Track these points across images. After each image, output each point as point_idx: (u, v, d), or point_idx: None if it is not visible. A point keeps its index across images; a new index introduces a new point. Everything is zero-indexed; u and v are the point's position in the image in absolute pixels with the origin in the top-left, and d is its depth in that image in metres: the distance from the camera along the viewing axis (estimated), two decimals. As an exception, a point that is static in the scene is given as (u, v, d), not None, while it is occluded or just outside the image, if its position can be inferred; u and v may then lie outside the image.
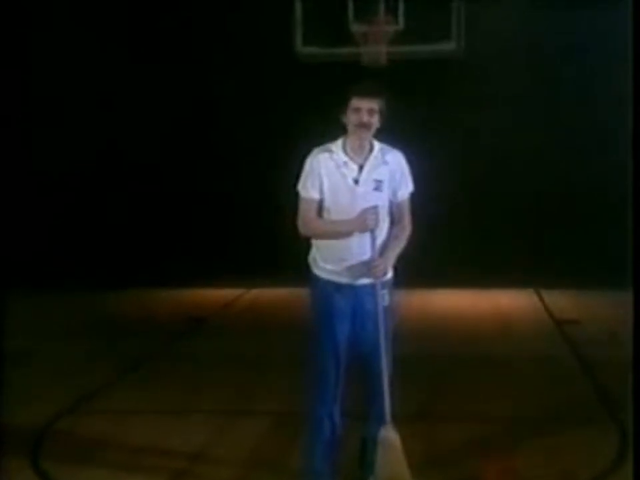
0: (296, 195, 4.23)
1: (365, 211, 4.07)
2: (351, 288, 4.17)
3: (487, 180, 10.83)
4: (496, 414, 5.71)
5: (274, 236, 10.28)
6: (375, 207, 4.10)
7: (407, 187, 4.23)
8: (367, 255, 4.12)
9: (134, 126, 11.06)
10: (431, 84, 10.77)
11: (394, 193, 4.20)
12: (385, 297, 4.15)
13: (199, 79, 11.09)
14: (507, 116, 10.80)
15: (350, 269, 4.14)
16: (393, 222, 4.24)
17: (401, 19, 9.15)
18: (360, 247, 4.12)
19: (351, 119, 4.09)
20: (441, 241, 10.44)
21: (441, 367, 6.90)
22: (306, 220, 4.18)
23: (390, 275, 4.23)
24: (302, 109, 10.40)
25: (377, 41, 9.24)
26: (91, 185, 11.24)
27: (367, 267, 4.11)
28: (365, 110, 4.06)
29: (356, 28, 9.22)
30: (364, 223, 4.07)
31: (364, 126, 4.07)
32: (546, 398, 6.04)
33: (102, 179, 11.27)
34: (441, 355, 7.37)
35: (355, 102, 4.07)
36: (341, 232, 4.14)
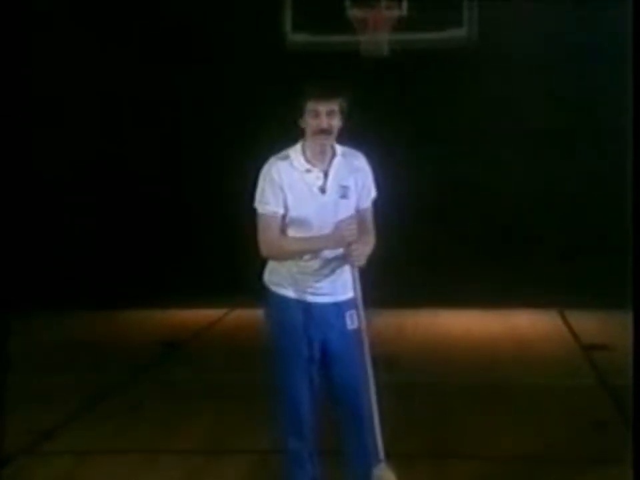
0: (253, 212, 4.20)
1: (341, 223, 4.07)
2: (317, 307, 4.18)
3: (495, 185, 10.81)
4: (512, 452, 5.65)
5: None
6: (352, 217, 4.11)
7: (370, 193, 4.28)
8: (335, 271, 4.14)
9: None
10: (436, 77, 10.78)
11: (357, 200, 4.23)
12: (352, 318, 4.15)
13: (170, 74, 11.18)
14: (517, 115, 10.82)
15: (316, 283, 4.16)
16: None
17: (404, 4, 9.16)
18: (326, 261, 4.14)
19: (309, 123, 4.08)
20: (446, 254, 10.41)
21: (448, 398, 6.88)
22: (269, 239, 4.15)
23: (351, 295, 4.20)
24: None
25: (378, 27, 9.28)
26: (50, 195, 11.26)
27: (335, 279, 4.13)
28: (324, 113, 4.05)
29: (354, 13, 9.22)
30: (341, 237, 4.06)
31: (324, 131, 4.06)
32: (570, 434, 6.00)
33: (60, 189, 11.29)
34: (448, 383, 7.34)
35: (312, 105, 4.05)
36: (312, 250, 4.13)
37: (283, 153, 4.18)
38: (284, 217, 4.13)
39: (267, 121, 10.52)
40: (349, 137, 4.25)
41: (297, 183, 4.11)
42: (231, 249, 10.91)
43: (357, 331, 4.14)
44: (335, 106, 4.05)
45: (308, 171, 4.13)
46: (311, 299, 4.18)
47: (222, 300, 10.81)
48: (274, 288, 4.26)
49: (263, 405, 6.56)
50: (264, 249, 4.17)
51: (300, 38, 9.54)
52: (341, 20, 9.27)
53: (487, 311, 10.53)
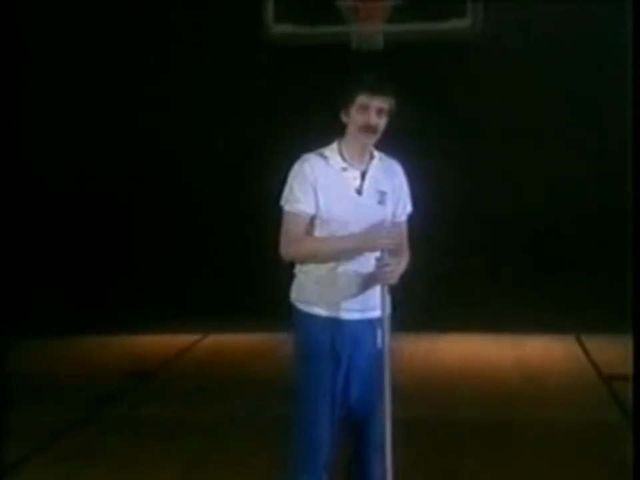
0: (279, 210, 4.25)
1: (375, 226, 4.14)
2: (347, 324, 4.23)
3: (504, 194, 10.85)
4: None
5: (242, 265, 10.22)
6: (396, 225, 4.23)
7: (405, 206, 4.39)
8: (367, 284, 4.18)
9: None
10: (437, 73, 10.80)
11: (394, 211, 4.32)
12: (383, 338, 4.21)
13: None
14: (528, 117, 10.84)
15: (347, 298, 4.20)
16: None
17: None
18: (361, 272, 4.19)
19: (355, 119, 4.18)
20: (449, 272, 10.38)
21: (450, 435, 6.85)
22: (293, 238, 4.22)
23: (389, 309, 4.28)
24: (273, 104, 10.41)
25: (371, 17, 9.29)
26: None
27: (366, 293, 4.19)
28: (374, 109, 4.16)
29: (344, 1, 9.21)
30: (374, 240, 4.12)
31: (371, 129, 4.17)
32: (589, 477, 5.97)
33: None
34: (449, 419, 7.32)
35: (363, 99, 4.15)
36: (340, 250, 4.19)
37: (318, 151, 4.27)
38: (313, 218, 4.20)
39: (249, 117, 10.58)
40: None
41: (332, 182, 4.20)
42: (205, 267, 10.89)
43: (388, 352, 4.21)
44: (385, 104, 4.16)
45: (344, 169, 4.22)
46: (342, 315, 4.23)
47: (195, 324, 10.76)
48: (302, 306, 4.30)
49: (242, 442, 6.59)
50: (283, 249, 4.23)
51: (283, 29, 9.53)
52: (330, 9, 9.28)
53: (495, 335, 10.52)
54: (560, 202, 10.97)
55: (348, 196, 4.20)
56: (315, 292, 4.24)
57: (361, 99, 4.14)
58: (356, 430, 4.29)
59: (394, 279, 4.18)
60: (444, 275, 10.58)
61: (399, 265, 4.23)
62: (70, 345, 10.50)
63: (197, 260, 10.98)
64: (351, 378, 4.25)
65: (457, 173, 10.79)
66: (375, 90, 4.14)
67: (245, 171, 10.59)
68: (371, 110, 4.13)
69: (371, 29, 9.20)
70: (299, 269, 4.31)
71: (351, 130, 4.20)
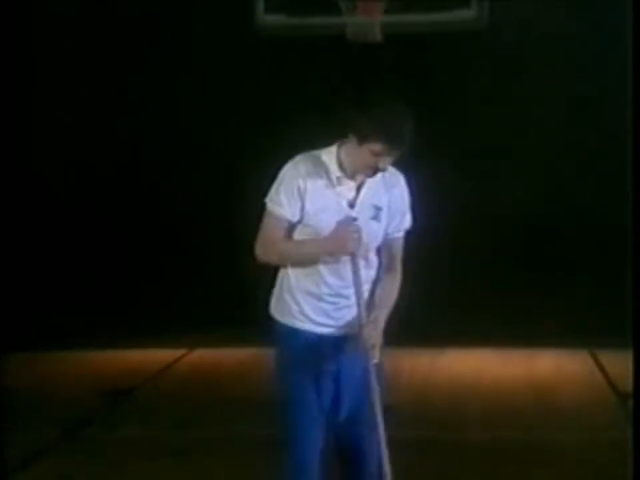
0: (262, 207, 4.22)
1: (342, 227, 4.07)
2: (334, 339, 4.18)
3: (503, 194, 10.80)
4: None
5: (228, 274, 10.14)
6: (356, 226, 4.08)
7: (404, 221, 4.30)
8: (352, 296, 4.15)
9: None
10: (440, 67, 10.87)
11: (387, 227, 4.25)
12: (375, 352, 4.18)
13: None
14: (533, 115, 10.89)
15: (331, 312, 4.17)
16: (380, 265, 4.30)
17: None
18: (344, 282, 4.15)
19: (364, 156, 4.04)
20: (452, 283, 10.30)
21: (457, 458, 6.80)
22: (269, 240, 4.17)
23: None
24: (262, 100, 10.36)
25: (369, 8, 9.23)
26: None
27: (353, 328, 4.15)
28: (390, 157, 4.05)
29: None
30: (342, 243, 4.06)
31: (378, 171, 4.08)
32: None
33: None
34: (454, 440, 7.30)
35: (381, 148, 3.99)
36: (310, 254, 4.15)
37: (314, 153, 4.20)
38: (294, 225, 4.16)
39: (237, 116, 10.53)
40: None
41: (323, 191, 4.12)
42: (192, 276, 10.81)
43: (378, 367, 4.20)
44: (401, 152, 4.05)
45: (339, 179, 4.13)
46: (328, 330, 4.18)
47: (179, 338, 10.74)
48: (281, 318, 4.26)
49: (229, 463, 6.50)
50: (259, 249, 4.20)
51: (274, 20, 9.50)
52: (324, -1, 9.28)
53: (503, 350, 10.50)
54: (560, 202, 10.97)
55: (339, 208, 4.12)
56: (302, 303, 4.19)
57: (378, 146, 3.97)
58: (347, 457, 4.27)
59: (376, 343, 4.14)
60: (443, 278, 10.51)
61: (379, 326, 4.17)
62: (38, 361, 10.45)
63: (185, 267, 10.95)
64: (340, 396, 4.21)
65: (456, 172, 10.76)
66: (399, 146, 3.99)
67: (244, 171, 10.60)
68: (385, 157, 4.00)
69: (368, 20, 9.18)
70: (279, 280, 4.26)
71: (353, 155, 4.06)
